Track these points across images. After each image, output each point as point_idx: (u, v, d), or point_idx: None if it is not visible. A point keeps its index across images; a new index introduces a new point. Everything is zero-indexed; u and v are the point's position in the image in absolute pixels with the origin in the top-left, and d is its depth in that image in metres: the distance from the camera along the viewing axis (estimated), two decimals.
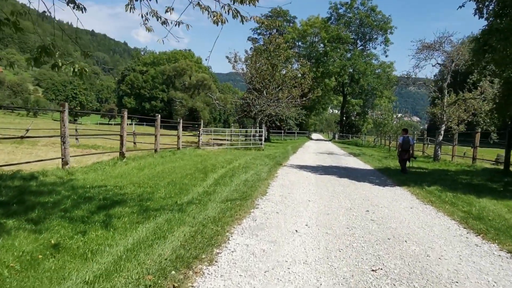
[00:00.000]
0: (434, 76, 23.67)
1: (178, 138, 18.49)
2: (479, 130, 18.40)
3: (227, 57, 31.23)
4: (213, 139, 36.27)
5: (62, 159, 10.30)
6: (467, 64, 19.61)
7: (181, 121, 18.54)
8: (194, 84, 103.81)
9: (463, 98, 20.45)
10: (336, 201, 8.00)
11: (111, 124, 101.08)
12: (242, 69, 32.04)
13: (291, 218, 6.28)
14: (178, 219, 5.59)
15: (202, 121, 21.07)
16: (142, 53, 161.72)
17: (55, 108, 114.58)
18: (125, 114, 13.18)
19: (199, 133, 21.21)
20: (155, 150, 15.78)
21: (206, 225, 5.40)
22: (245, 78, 32.57)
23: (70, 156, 13.22)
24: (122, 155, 13.06)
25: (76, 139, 23.81)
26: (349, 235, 5.43)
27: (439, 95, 20.80)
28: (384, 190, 9.90)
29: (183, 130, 40.07)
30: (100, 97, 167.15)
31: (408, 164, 14.70)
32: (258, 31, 61.37)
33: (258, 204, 7.18)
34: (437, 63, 21.52)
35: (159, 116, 15.83)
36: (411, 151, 14.31)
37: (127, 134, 15.20)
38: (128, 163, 13.14)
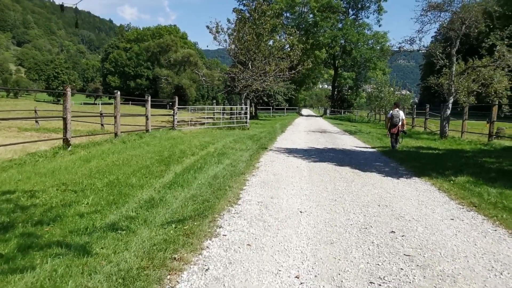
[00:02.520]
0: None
1: (147, 118, 15.73)
2: (496, 102, 15.92)
3: (207, 26, 28.07)
4: (197, 118, 33.59)
5: None
6: (480, 27, 17.01)
7: (149, 98, 15.71)
8: (180, 60, 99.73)
9: (473, 66, 17.87)
10: (341, 211, 5.44)
11: (96, 104, 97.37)
12: (225, 40, 28.96)
13: (272, 258, 3.68)
14: (54, 284, 2.95)
15: (177, 98, 18.28)
16: (126, 29, 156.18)
17: (38, 89, 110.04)
18: (68, 91, 10.37)
19: (173, 112, 18.42)
20: (116, 134, 13.04)
21: None
22: (229, 50, 29.57)
23: (10, 144, 10.54)
24: (66, 142, 10.34)
25: (36, 121, 20.90)
26: None
27: (447, 63, 18.17)
28: (401, 185, 7.37)
29: (168, 108, 36.80)
30: (85, 77, 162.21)
31: (400, 140, 14.01)
32: (244, 1, 57.67)
33: (220, 227, 4.55)
34: (444, 26, 18.82)
35: (119, 93, 13.02)
36: (401, 126, 13.53)
37: (77, 115, 12.49)
38: (75, 152, 10.46)
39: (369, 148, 14.24)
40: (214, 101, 36.49)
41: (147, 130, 15.58)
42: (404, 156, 11.52)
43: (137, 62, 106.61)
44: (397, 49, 18.79)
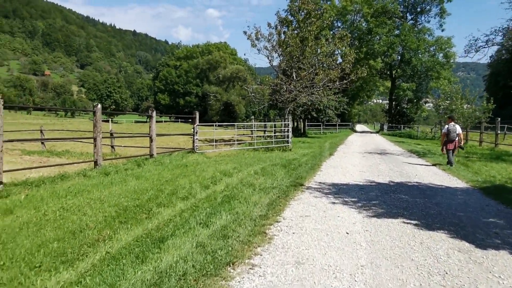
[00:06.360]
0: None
1: (151, 140, 12.21)
2: None
3: (244, 32, 24.62)
4: (238, 136, 30.03)
5: None
6: None
7: (153, 113, 12.20)
8: (229, 76, 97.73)
9: None
10: None
11: (145, 122, 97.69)
12: (265, 47, 25.31)
13: None
14: None
15: (197, 113, 14.82)
16: (178, 47, 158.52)
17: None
18: (0, 102, 7.03)
19: (193, 132, 14.85)
20: (95, 163, 9.55)
21: None
22: (269, 58, 25.91)
23: None
24: None
25: (42, 143, 18.11)
26: None
27: None
28: None
29: (216, 126, 33.54)
30: (140, 96, 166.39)
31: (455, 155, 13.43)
32: (292, 10, 54.31)
33: None
34: None
35: (99, 106, 9.59)
36: (458, 141, 13.10)
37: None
38: (10, 193, 7.02)
39: (459, 182, 9.69)
40: (253, 117, 32.82)
41: (151, 155, 12.04)
42: None
43: (186, 80, 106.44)
44: (484, 43, 14.13)
